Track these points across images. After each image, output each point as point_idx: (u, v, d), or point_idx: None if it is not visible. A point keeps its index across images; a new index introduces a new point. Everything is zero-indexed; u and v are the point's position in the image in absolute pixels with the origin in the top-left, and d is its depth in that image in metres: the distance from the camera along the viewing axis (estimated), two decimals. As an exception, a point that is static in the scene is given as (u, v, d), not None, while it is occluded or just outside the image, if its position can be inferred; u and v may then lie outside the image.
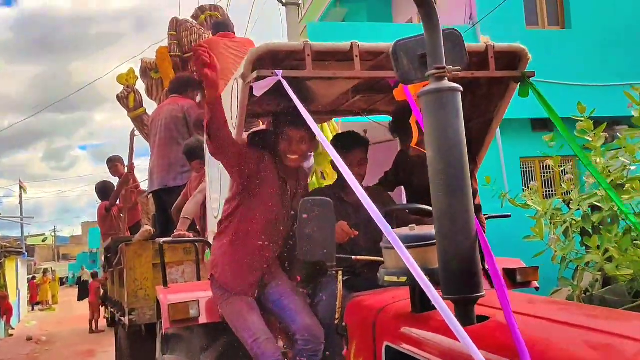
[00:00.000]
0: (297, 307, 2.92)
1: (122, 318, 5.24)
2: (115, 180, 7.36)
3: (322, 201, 2.42)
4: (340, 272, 2.59)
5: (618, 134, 7.96)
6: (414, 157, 3.27)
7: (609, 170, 6.47)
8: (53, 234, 56.97)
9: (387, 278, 2.12)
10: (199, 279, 4.03)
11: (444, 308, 1.54)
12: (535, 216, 6.94)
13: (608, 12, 12.41)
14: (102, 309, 17.70)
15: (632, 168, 6.57)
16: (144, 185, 7.03)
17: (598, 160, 6.50)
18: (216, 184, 3.40)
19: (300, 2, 11.23)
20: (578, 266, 6.55)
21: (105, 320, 17.70)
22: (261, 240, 2.94)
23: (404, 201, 4.12)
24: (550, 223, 6.98)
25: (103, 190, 7.40)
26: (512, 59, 2.83)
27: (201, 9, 6.81)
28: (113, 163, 7.21)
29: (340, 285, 2.60)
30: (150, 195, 5.91)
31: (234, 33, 5.68)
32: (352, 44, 2.60)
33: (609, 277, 6.18)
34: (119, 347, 6.50)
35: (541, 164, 11.78)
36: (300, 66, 2.66)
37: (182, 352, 3.07)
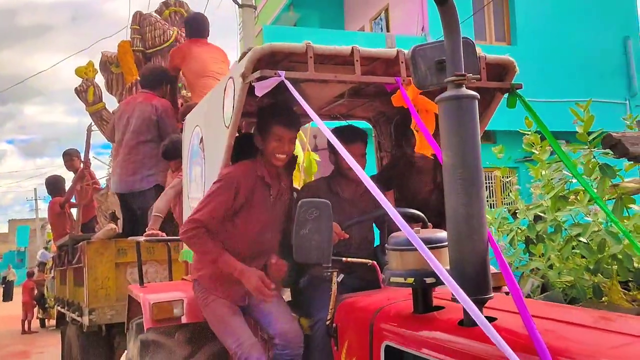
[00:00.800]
0: (277, 313, 2.92)
1: (79, 318, 5.07)
2: (70, 175, 7.13)
3: (321, 203, 2.43)
4: (334, 274, 2.61)
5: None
6: (406, 162, 3.34)
7: (552, 182, 6.78)
8: (-23, 231, 54.37)
9: (393, 279, 2.15)
10: (170, 278, 3.96)
11: (472, 308, 1.59)
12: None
13: (552, 30, 13.00)
14: (35, 310, 17.12)
15: (573, 181, 6.94)
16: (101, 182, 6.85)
17: (543, 173, 6.81)
18: (198, 184, 3.36)
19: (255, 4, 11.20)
20: (523, 272, 6.86)
21: (38, 320, 17.13)
22: (248, 253, 2.93)
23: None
24: (497, 231, 7.28)
25: (55, 184, 7.12)
26: (500, 71, 2.94)
27: (166, 4, 6.69)
28: (70, 157, 6.96)
29: (334, 287, 2.62)
30: (110, 193, 5.75)
31: (207, 38, 5.63)
32: (352, 48, 2.64)
33: (548, 283, 6.49)
34: (68, 348, 6.29)
35: (484, 174, 12.20)
36: (297, 67, 2.67)
37: (163, 358, 3.00)
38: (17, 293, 18.72)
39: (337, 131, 3.09)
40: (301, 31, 13.48)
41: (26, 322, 15.88)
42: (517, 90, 2.92)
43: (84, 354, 5.58)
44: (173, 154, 4.38)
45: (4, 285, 26.82)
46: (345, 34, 13.52)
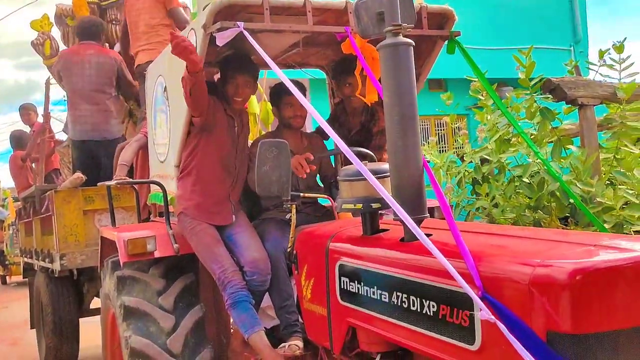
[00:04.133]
0: (247, 243, 3.25)
1: (50, 265, 5.28)
2: (26, 129, 7.17)
3: (279, 142, 2.72)
4: (293, 206, 2.91)
5: (506, 94, 8.78)
6: (350, 107, 3.64)
7: (497, 127, 7.21)
8: None
9: (344, 206, 2.47)
10: (139, 221, 4.20)
11: (412, 225, 1.92)
12: (433, 168, 7.64)
13: (500, -23, 13.27)
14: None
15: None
16: (59, 136, 6.92)
17: (488, 118, 7.22)
18: (164, 130, 3.58)
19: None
20: (470, 211, 7.32)
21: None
22: (220, 171, 3.31)
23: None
24: (446, 174, 7.71)
25: (19, 139, 7.19)
26: (440, 20, 3.23)
27: (118, -44, 6.67)
28: (26, 110, 7.00)
29: (293, 218, 2.93)
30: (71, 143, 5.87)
31: None
32: (305, 0, 2.88)
33: (493, 221, 6.97)
34: (37, 297, 6.50)
35: (436, 122, 12.61)
36: (254, 18, 2.91)
37: (138, 294, 3.27)
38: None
39: (276, 86, 3.47)
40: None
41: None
42: (456, 38, 3.22)
43: (53, 300, 5.80)
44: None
45: None
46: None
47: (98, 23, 5.84)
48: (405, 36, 2.22)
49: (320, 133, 3.90)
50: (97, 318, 6.24)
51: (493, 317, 1.61)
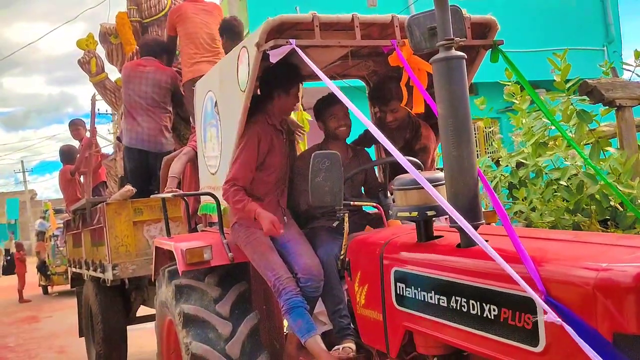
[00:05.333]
0: (300, 250, 3.36)
1: (101, 274, 5.46)
2: (76, 144, 7.42)
3: (331, 154, 2.83)
4: (346, 214, 3.01)
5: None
6: (390, 120, 3.73)
7: (532, 130, 7.20)
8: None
9: (400, 214, 2.56)
10: (189, 231, 4.34)
11: (471, 230, 2.00)
12: (469, 172, 7.68)
13: (533, -20, 13.23)
14: (38, 277, 17.52)
15: (552, 128, 7.36)
16: (105, 150, 7.14)
17: (524, 121, 7.23)
18: (214, 144, 3.71)
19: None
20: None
21: (41, 288, 17.56)
22: (273, 180, 3.49)
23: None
24: (482, 179, 7.75)
25: (68, 153, 7.45)
26: (484, 29, 3.30)
27: (158, -25, 6.90)
28: (76, 126, 7.25)
29: (346, 226, 3.03)
30: (118, 158, 6.07)
31: None
32: (352, 15, 2.98)
33: (532, 225, 6.97)
34: (86, 306, 6.70)
35: (470, 125, 12.61)
36: (303, 35, 3.02)
37: (196, 302, 3.39)
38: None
39: (321, 99, 3.58)
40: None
41: (23, 292, 16.24)
42: (499, 46, 3.29)
43: (102, 309, 6.00)
44: None
45: (8, 258, 26.64)
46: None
47: (160, 42, 6.10)
48: (457, 49, 2.30)
49: (358, 143, 3.99)
50: (142, 325, 6.47)
51: (559, 319, 1.67)
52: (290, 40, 2.83)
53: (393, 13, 3.22)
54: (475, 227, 2.27)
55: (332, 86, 2.68)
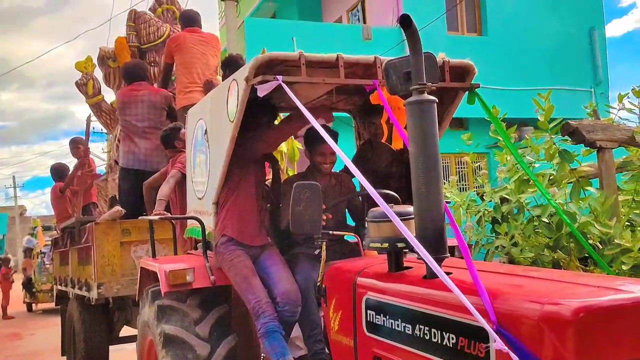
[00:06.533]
0: (281, 276, 3.49)
1: (86, 293, 5.55)
2: (74, 161, 7.56)
3: (312, 185, 2.99)
4: (324, 243, 3.15)
5: (525, 135, 8.99)
6: (377, 149, 3.90)
7: (516, 167, 7.40)
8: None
9: (372, 244, 2.70)
10: (175, 253, 4.46)
11: (433, 264, 2.14)
12: (453, 206, 7.85)
13: (521, 21, 13.62)
14: (23, 294, 17.43)
15: (536, 165, 7.57)
16: (100, 169, 7.27)
17: (508, 158, 7.43)
18: (202, 170, 3.86)
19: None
20: (489, 250, 7.49)
21: (25, 305, 17.47)
22: (255, 201, 3.67)
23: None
24: (466, 212, 7.90)
25: (59, 171, 7.58)
26: (462, 72, 3.49)
27: (158, 2, 7.13)
28: (76, 144, 7.38)
29: (323, 254, 3.17)
30: (110, 179, 6.21)
31: (201, 27, 6.11)
32: (337, 55, 3.16)
33: (513, 260, 7.12)
34: (69, 324, 6.76)
35: (456, 160, 12.83)
36: (290, 71, 3.20)
37: (177, 322, 3.50)
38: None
39: (310, 131, 3.70)
40: (282, 24, 13.94)
41: (7, 308, 16.15)
42: (476, 90, 3.48)
43: (85, 328, 6.08)
44: (170, 142, 4.91)
45: None
46: (324, 26, 14.01)
47: (142, 65, 6.30)
48: (429, 93, 2.47)
49: (348, 172, 4.15)
50: (124, 346, 6.53)
51: (506, 347, 1.81)
52: (277, 76, 3.00)
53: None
54: (440, 260, 2.42)
55: (315, 123, 2.84)
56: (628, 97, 7.31)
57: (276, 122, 4.87)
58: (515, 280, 2.37)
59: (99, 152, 26.32)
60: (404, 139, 2.93)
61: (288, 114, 4.17)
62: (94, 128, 16.71)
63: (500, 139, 7.54)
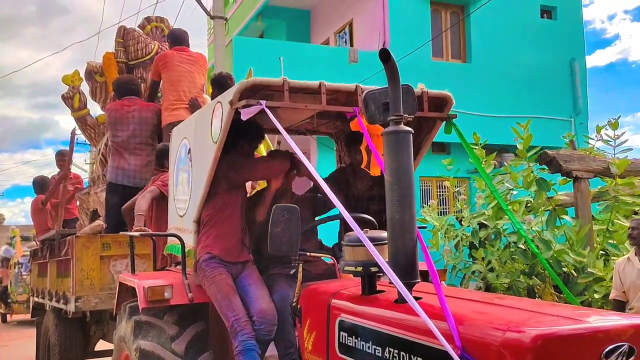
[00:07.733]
0: (258, 295, 3.56)
1: (64, 306, 5.56)
2: (56, 171, 7.57)
3: (291, 207, 3.07)
4: (300, 265, 3.23)
5: (504, 162, 9.18)
6: (358, 173, 4.00)
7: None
8: None
9: (346, 268, 2.79)
10: (154, 268, 4.51)
11: (403, 289, 2.23)
12: (432, 230, 7.97)
13: (504, 51, 13.90)
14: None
15: (514, 193, 7.73)
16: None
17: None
18: (184, 188, 3.93)
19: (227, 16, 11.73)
20: (465, 274, 7.61)
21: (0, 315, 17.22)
22: (237, 219, 3.72)
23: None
24: (445, 236, 8.02)
25: (41, 184, 7.58)
26: (440, 103, 3.61)
27: (147, 20, 7.24)
28: (62, 157, 7.37)
29: (300, 275, 3.24)
30: (92, 192, 6.24)
31: (189, 46, 6.21)
32: (320, 83, 3.27)
33: (490, 285, 7.24)
34: (44, 336, 6.73)
35: (438, 184, 12.99)
36: (274, 96, 3.30)
37: (154, 338, 3.54)
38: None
39: (270, 153, 3.91)
40: (269, 43, 14.10)
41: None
42: (453, 120, 3.60)
43: (61, 341, 6.06)
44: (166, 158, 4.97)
45: None
46: (311, 47, 14.18)
47: (135, 80, 6.39)
48: (405, 124, 2.58)
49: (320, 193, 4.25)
50: (100, 360, 6.52)
51: (468, 372, 1.90)
52: (261, 101, 3.10)
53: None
54: (411, 285, 2.51)
55: (296, 148, 2.93)
56: (606, 129, 7.53)
57: (261, 145, 4.99)
58: (483, 307, 2.45)
59: (81, 164, 26.20)
60: (381, 166, 3.03)
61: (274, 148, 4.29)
62: (78, 139, 16.68)
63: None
